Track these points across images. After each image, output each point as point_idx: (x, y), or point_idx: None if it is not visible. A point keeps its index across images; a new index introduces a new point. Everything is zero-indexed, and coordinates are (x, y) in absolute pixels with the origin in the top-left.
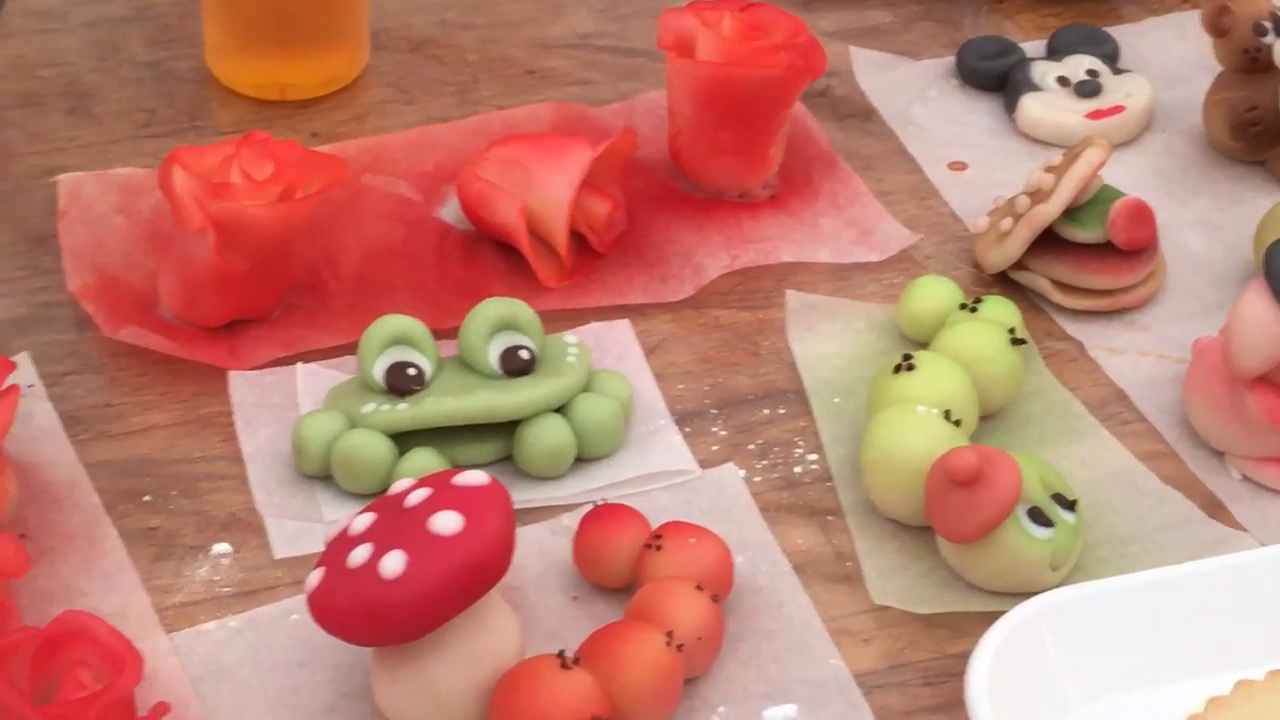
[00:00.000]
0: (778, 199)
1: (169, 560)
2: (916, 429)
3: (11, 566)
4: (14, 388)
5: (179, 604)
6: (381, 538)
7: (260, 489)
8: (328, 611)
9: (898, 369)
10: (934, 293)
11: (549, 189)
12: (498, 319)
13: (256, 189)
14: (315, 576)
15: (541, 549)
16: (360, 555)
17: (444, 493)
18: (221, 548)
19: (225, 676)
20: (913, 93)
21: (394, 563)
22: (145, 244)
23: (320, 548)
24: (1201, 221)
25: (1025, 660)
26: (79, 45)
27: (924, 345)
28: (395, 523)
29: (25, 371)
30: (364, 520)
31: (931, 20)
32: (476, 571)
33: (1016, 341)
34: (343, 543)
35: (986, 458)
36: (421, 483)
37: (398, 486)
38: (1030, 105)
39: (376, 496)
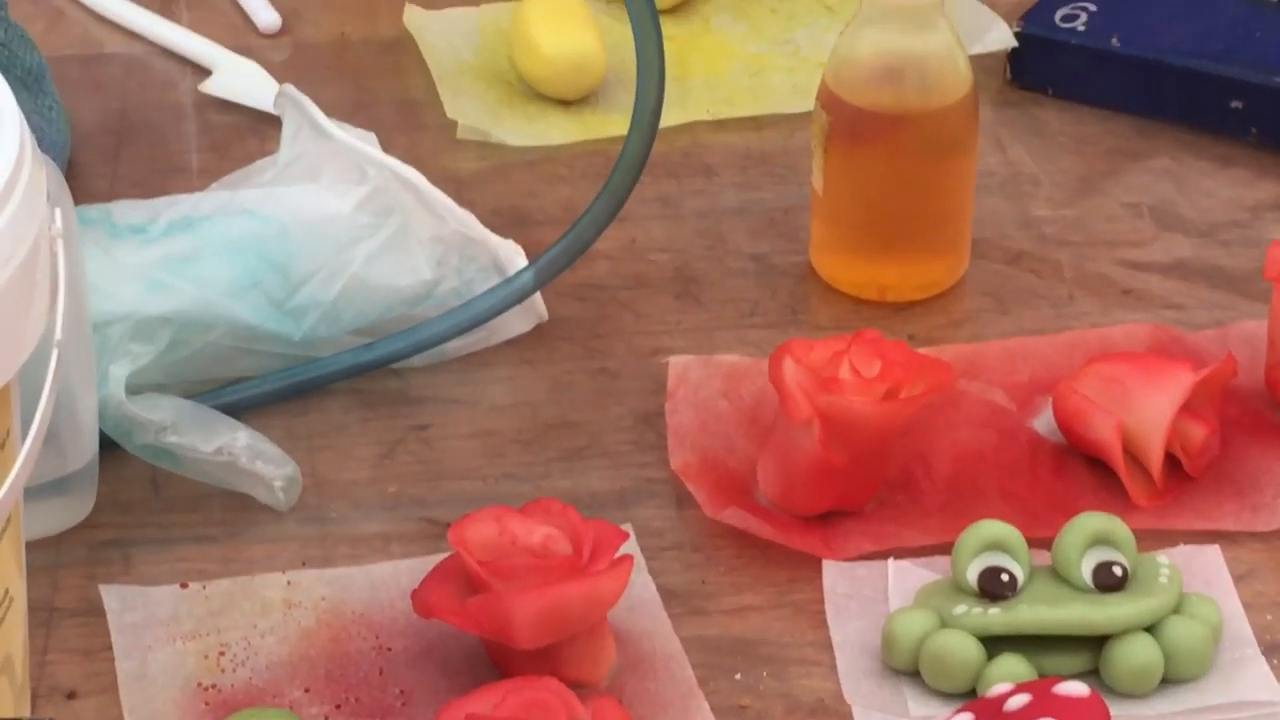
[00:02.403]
0: None
1: None
2: None
3: None
4: (628, 557)
5: None
6: None
7: (848, 678)
8: None
9: None
10: None
11: (1148, 409)
12: (1094, 533)
13: (864, 386)
14: None
15: None
16: None
17: (1045, 701)
18: None
19: None
20: None
21: None
22: (746, 429)
23: None
24: None
25: None
26: (689, 234)
27: None
28: None
29: (628, 543)
30: None
31: None
32: None
33: None
34: None
35: None
36: (1021, 688)
37: (996, 690)
38: None
39: (962, 696)
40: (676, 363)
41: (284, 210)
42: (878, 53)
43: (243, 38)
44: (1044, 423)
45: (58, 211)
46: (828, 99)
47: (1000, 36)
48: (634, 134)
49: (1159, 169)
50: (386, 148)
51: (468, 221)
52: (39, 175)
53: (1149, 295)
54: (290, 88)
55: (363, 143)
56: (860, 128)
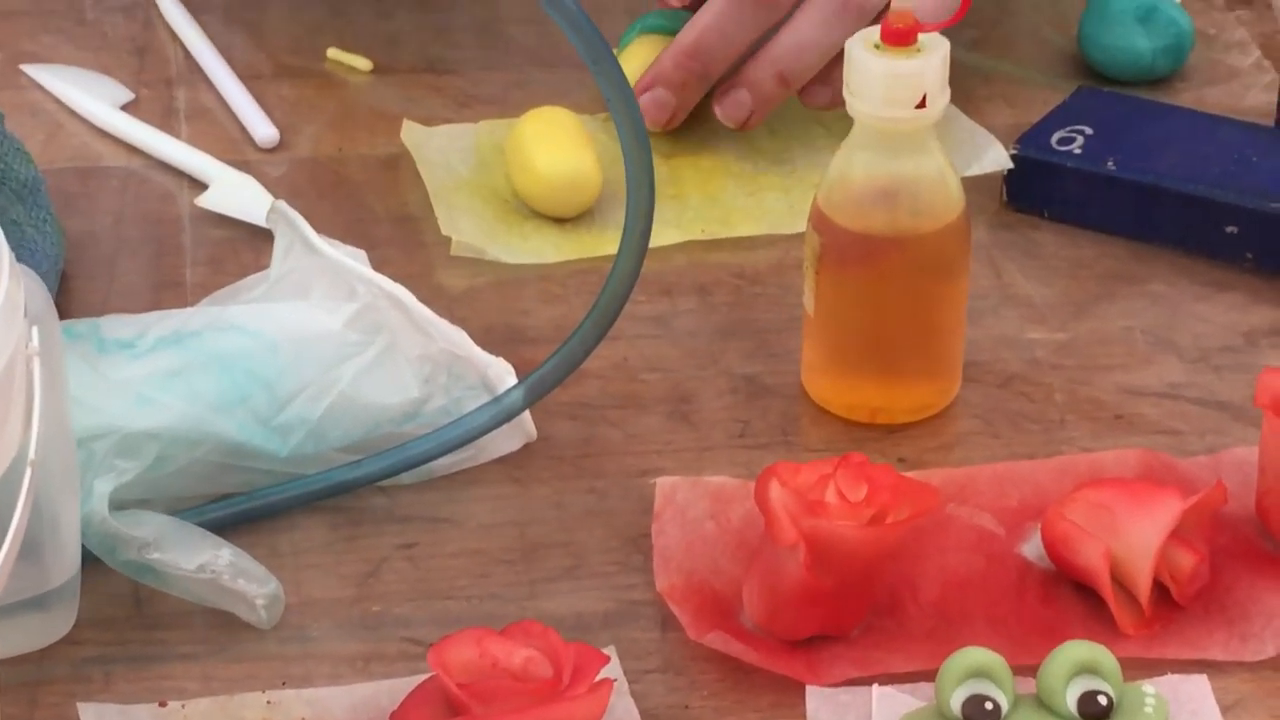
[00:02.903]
0: None
1: None
2: None
3: None
4: (607, 681)
5: None
6: None
7: None
8: None
9: None
10: None
11: (1135, 536)
12: (1079, 662)
13: (850, 510)
14: None
15: None
16: None
17: None
18: None
19: None
20: None
21: None
22: (733, 552)
23: None
24: None
25: None
26: (681, 353)
27: None
28: None
29: (611, 666)
30: None
31: None
32: None
33: None
34: None
35: None
36: None
37: None
38: None
39: None
40: (664, 484)
41: (273, 326)
42: (869, 176)
43: (241, 152)
44: (1033, 548)
45: (35, 329)
46: (819, 221)
47: (997, 158)
48: (623, 255)
49: (1154, 293)
50: (381, 263)
51: (456, 339)
52: (16, 292)
53: (1141, 420)
54: (282, 203)
55: (352, 260)
56: (852, 250)
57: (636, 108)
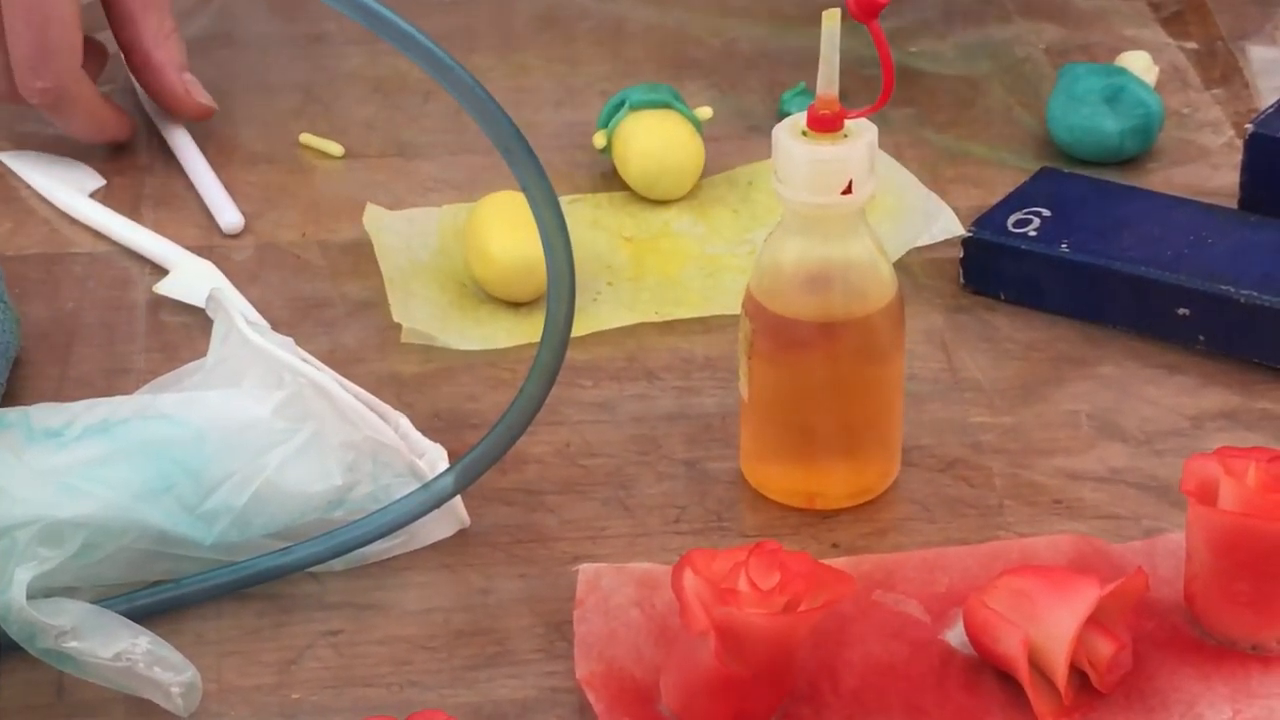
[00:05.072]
0: None
1: None
2: None
3: None
4: None
5: None
6: None
7: None
8: None
9: None
10: None
11: (1052, 624)
12: None
13: (761, 598)
14: None
15: None
16: None
17: None
18: None
19: None
20: None
21: None
22: (656, 639)
23: None
24: None
25: None
26: (623, 439)
27: None
28: None
29: None
30: None
31: None
32: None
33: None
34: None
35: None
36: None
37: None
38: None
39: None
40: (587, 570)
41: (201, 414)
42: (800, 261)
43: (207, 238)
44: (957, 635)
45: None
46: (752, 307)
47: (947, 226)
48: (545, 343)
49: (1104, 376)
50: (336, 348)
51: (382, 429)
52: None
53: (1080, 505)
54: (219, 290)
55: (279, 348)
56: (784, 335)
57: (553, 193)
